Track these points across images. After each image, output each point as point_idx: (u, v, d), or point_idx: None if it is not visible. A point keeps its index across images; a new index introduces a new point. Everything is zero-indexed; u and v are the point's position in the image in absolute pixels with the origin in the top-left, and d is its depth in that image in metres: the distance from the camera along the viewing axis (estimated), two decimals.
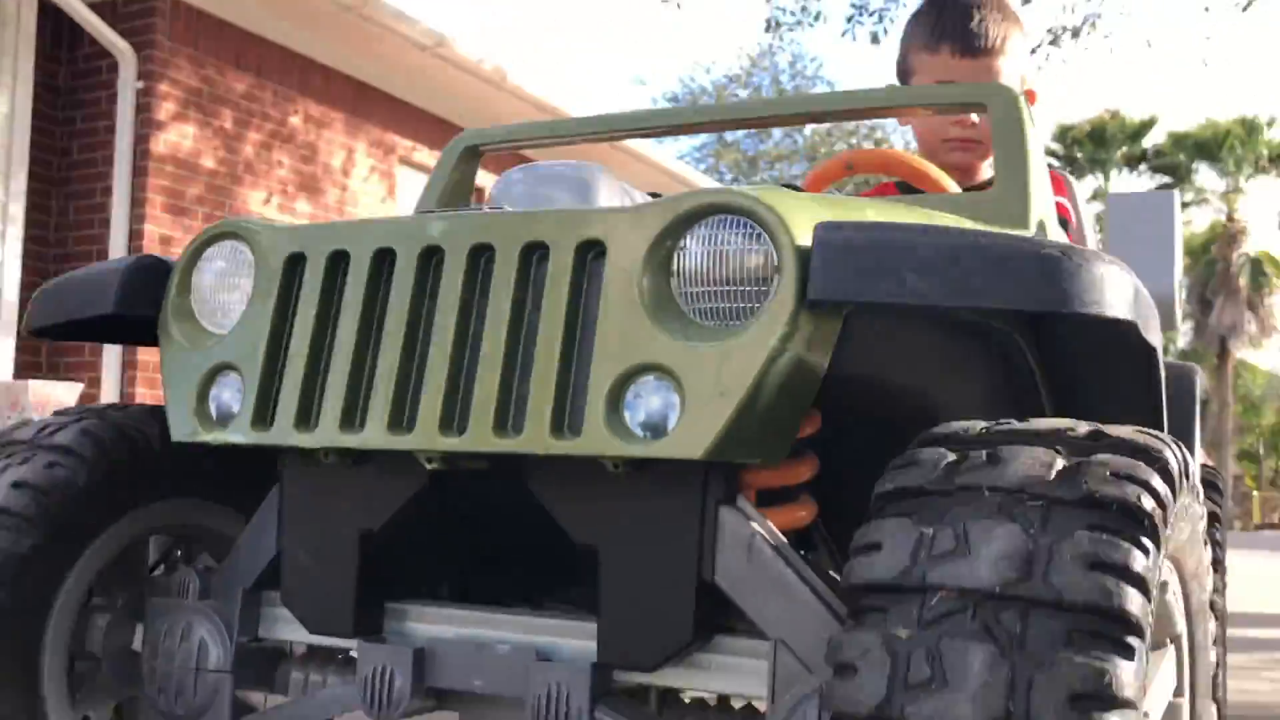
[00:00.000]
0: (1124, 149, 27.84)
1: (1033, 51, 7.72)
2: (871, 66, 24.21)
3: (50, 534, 1.06)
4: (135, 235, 5.89)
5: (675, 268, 0.92)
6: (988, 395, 1.06)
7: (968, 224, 1.09)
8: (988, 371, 1.08)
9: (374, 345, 0.98)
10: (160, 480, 1.16)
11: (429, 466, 0.98)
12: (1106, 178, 28.31)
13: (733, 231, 0.90)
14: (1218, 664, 1.04)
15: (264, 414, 1.01)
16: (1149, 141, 27.86)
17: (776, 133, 21.14)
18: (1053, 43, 7.51)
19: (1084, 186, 28.37)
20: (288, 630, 1.13)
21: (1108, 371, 1.03)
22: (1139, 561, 0.74)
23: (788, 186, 1.34)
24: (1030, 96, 1.68)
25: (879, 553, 0.78)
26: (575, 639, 1.01)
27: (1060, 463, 0.80)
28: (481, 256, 0.98)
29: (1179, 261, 1.50)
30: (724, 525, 0.94)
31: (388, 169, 7.54)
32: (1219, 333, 26.33)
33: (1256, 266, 26.60)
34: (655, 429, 0.89)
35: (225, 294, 1.06)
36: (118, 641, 1.11)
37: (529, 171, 1.14)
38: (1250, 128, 26.53)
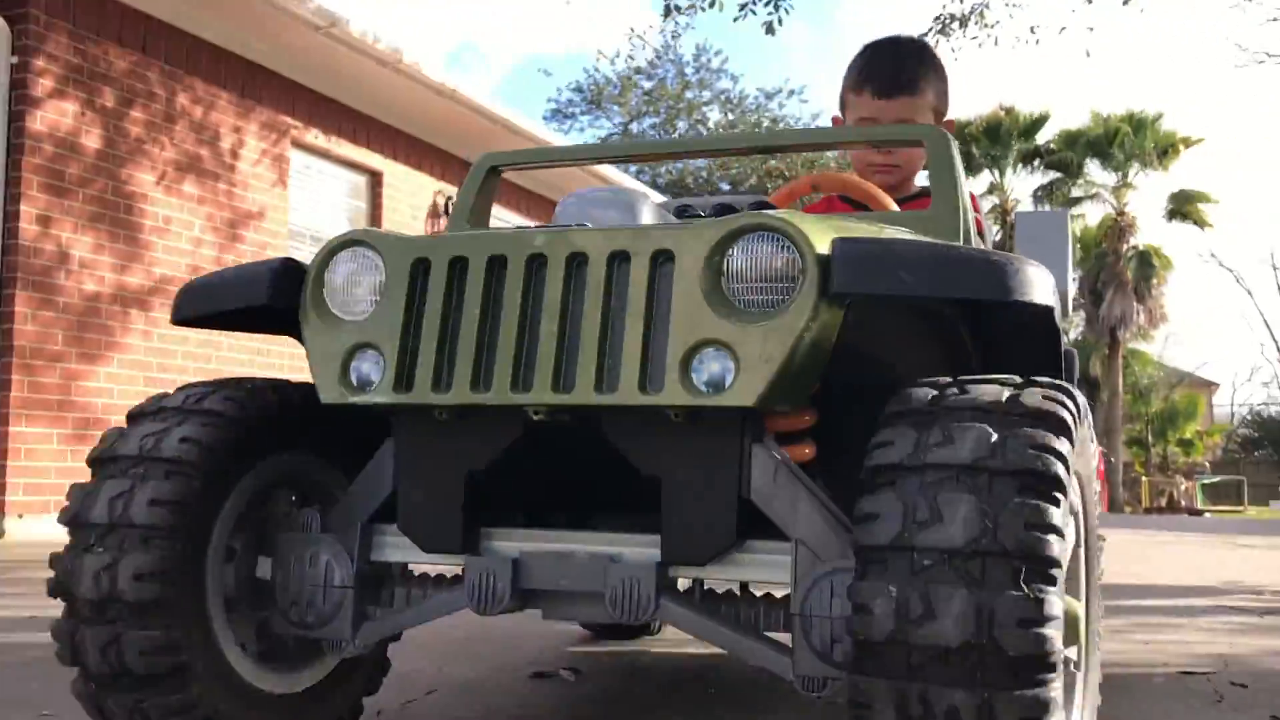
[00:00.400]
0: (1018, 145, 28.46)
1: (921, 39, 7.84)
2: (769, 54, 24.39)
3: (209, 480, 1.33)
4: (10, 216, 5.67)
5: (726, 269, 1.21)
6: (937, 362, 1.39)
7: (921, 237, 1.44)
8: (939, 344, 1.42)
9: (491, 327, 1.26)
10: (279, 439, 1.44)
11: (536, 418, 1.25)
12: (1002, 174, 28.94)
13: (769, 244, 1.21)
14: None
15: (403, 380, 1.28)
16: (1043, 137, 28.54)
17: (681, 125, 21.24)
18: (940, 32, 7.60)
19: (980, 182, 29.01)
20: (396, 554, 1.41)
21: (1026, 344, 1.37)
22: (1056, 516, 1.03)
23: (759, 203, 1.81)
24: (949, 126, 2.12)
25: (877, 521, 1.07)
26: (639, 547, 1.31)
27: (994, 436, 1.08)
28: (574, 261, 1.26)
29: (1071, 265, 1.90)
30: (756, 457, 1.26)
31: (280, 151, 7.37)
32: (1109, 323, 27.12)
33: (1145, 259, 27.45)
34: (716, 386, 1.18)
35: (353, 289, 1.34)
36: (245, 572, 1.38)
37: (583, 196, 1.40)
38: (1137, 124, 27.37)
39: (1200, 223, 27.96)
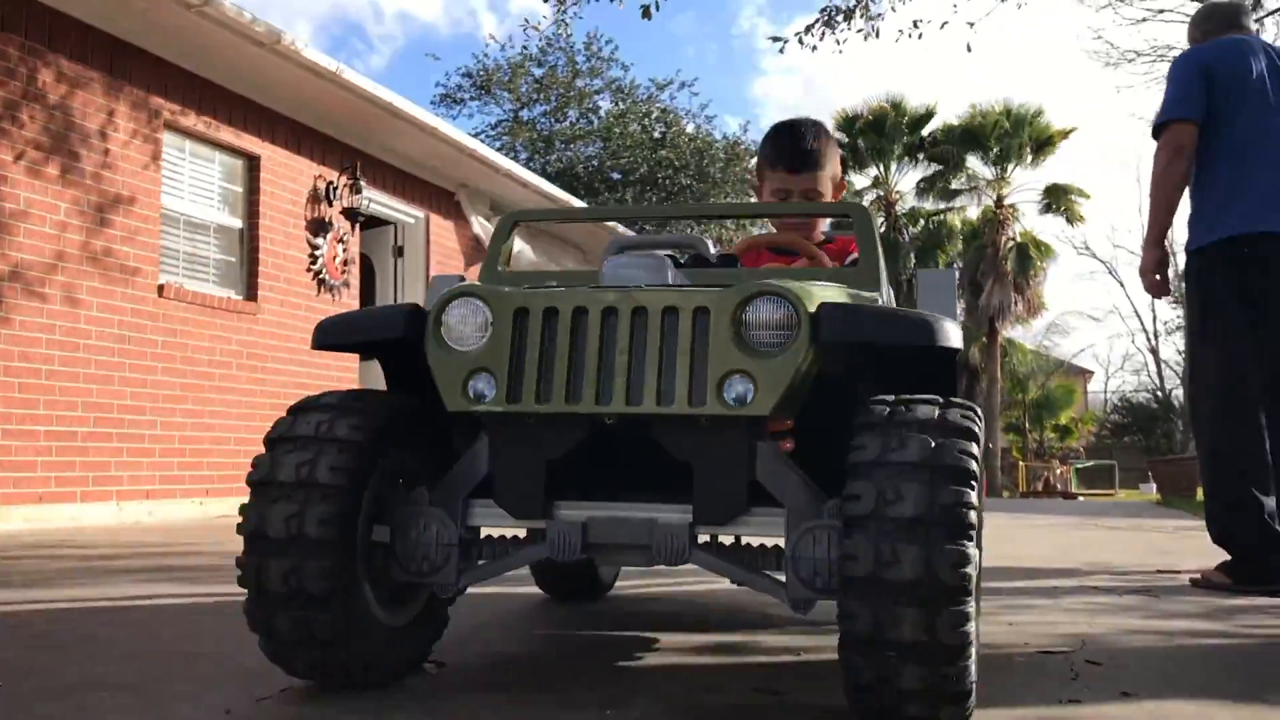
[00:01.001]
0: (904, 139, 29.02)
1: (808, 30, 7.92)
2: (659, 45, 24.43)
3: (364, 457, 1.79)
4: None
5: (745, 320, 1.71)
6: (880, 384, 1.91)
7: (863, 293, 2.03)
8: (880, 372, 1.97)
9: (576, 358, 1.73)
10: (400, 435, 1.90)
11: (609, 422, 1.74)
12: (886, 167, 29.49)
13: (775, 304, 1.70)
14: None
15: (514, 395, 1.74)
16: (929, 131, 29.14)
17: (572, 114, 21.13)
18: (826, 24, 7.69)
19: (865, 175, 29.50)
20: (487, 520, 1.88)
21: (938, 371, 1.93)
22: (972, 497, 1.54)
23: (725, 257, 2.37)
24: (842, 186, 2.78)
25: (859, 500, 1.56)
26: (673, 513, 1.80)
27: (932, 444, 1.58)
28: (638, 313, 1.74)
29: (956, 309, 2.49)
30: (761, 450, 1.78)
31: (152, 133, 7.13)
32: (989, 313, 27.88)
33: (1023, 250, 28.27)
34: (740, 401, 1.68)
35: (464, 328, 1.78)
36: (365, 535, 1.81)
37: (625, 262, 1.89)
38: (1015, 119, 28.15)
39: (1072, 216, 28.86)
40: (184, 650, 2.23)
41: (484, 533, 1.95)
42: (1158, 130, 3.73)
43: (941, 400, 1.70)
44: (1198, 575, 3.79)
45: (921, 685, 1.53)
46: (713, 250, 2.31)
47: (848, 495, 1.58)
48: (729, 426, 1.73)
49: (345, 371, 8.90)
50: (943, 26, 8.11)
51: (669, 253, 2.22)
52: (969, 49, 7.53)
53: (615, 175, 20.07)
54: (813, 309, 1.71)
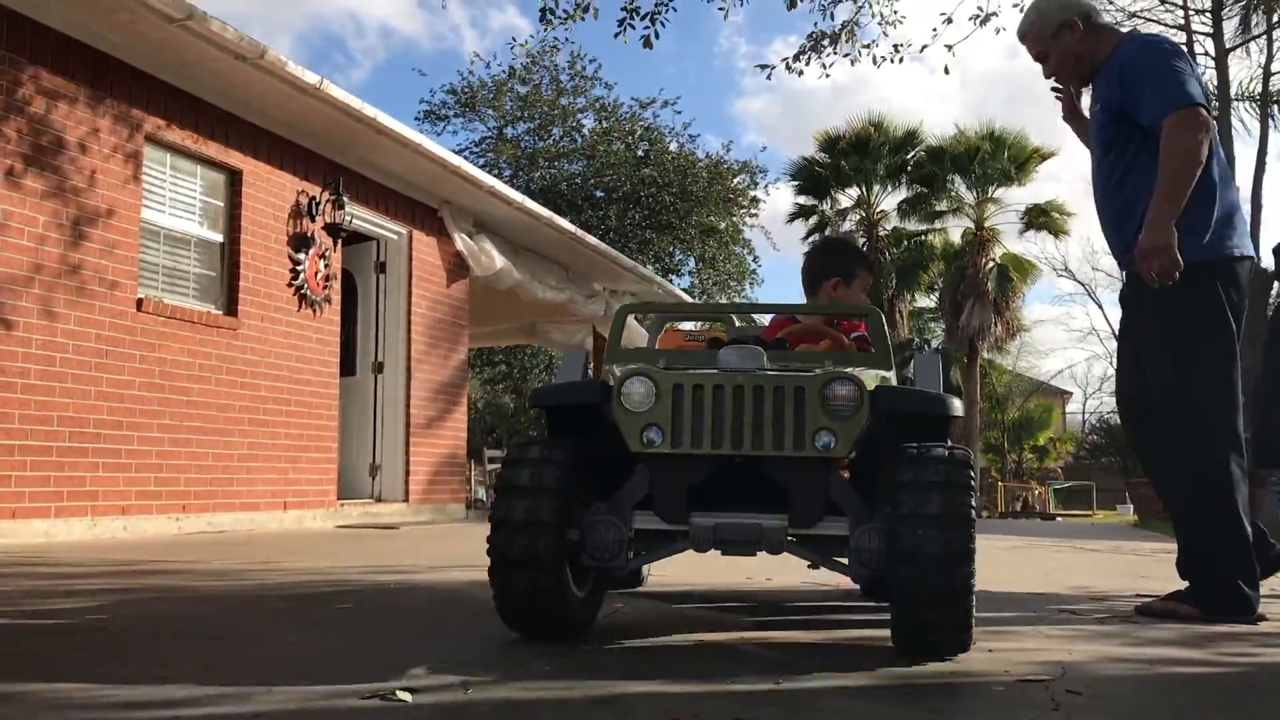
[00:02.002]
0: (887, 160, 29.15)
1: (796, 58, 7.96)
2: (641, 64, 24.48)
3: (566, 484, 2.60)
4: None
5: (827, 394, 2.53)
6: (900, 435, 2.68)
7: (883, 373, 2.90)
8: (901, 427, 2.72)
9: (716, 417, 2.56)
10: (579, 469, 2.67)
11: (737, 460, 2.60)
12: (869, 187, 29.61)
13: (848, 384, 2.54)
14: None
15: (677, 442, 2.56)
16: (911, 152, 29.28)
17: (556, 132, 21.14)
18: (813, 49, 7.73)
19: (848, 195, 29.62)
20: (647, 523, 2.69)
21: (939, 427, 2.79)
22: (972, 503, 2.45)
23: (759, 342, 2.92)
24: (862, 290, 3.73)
25: (905, 505, 2.42)
26: (774, 521, 2.63)
27: (947, 470, 2.47)
28: (757, 388, 2.57)
29: (941, 385, 3.18)
30: (833, 478, 2.65)
31: (134, 147, 7.09)
32: (969, 334, 27.95)
33: (1003, 272, 28.40)
34: (826, 448, 2.52)
35: (635, 395, 2.57)
36: (565, 537, 2.60)
37: (735, 350, 2.70)
38: (997, 142, 28.32)
39: (1056, 231, 28.99)
40: (156, 674, 2.20)
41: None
42: (1181, 109, 3.38)
43: (947, 445, 2.61)
44: (1151, 602, 3.64)
45: (942, 620, 2.42)
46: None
47: (897, 502, 2.46)
48: (817, 464, 2.62)
49: (325, 388, 8.86)
50: (922, 50, 8.18)
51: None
52: (946, 71, 7.52)
53: (599, 193, 20.09)
54: (871, 388, 2.60)
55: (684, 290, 17.94)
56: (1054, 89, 3.99)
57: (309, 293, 8.65)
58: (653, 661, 2.48)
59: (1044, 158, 28.57)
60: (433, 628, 2.99)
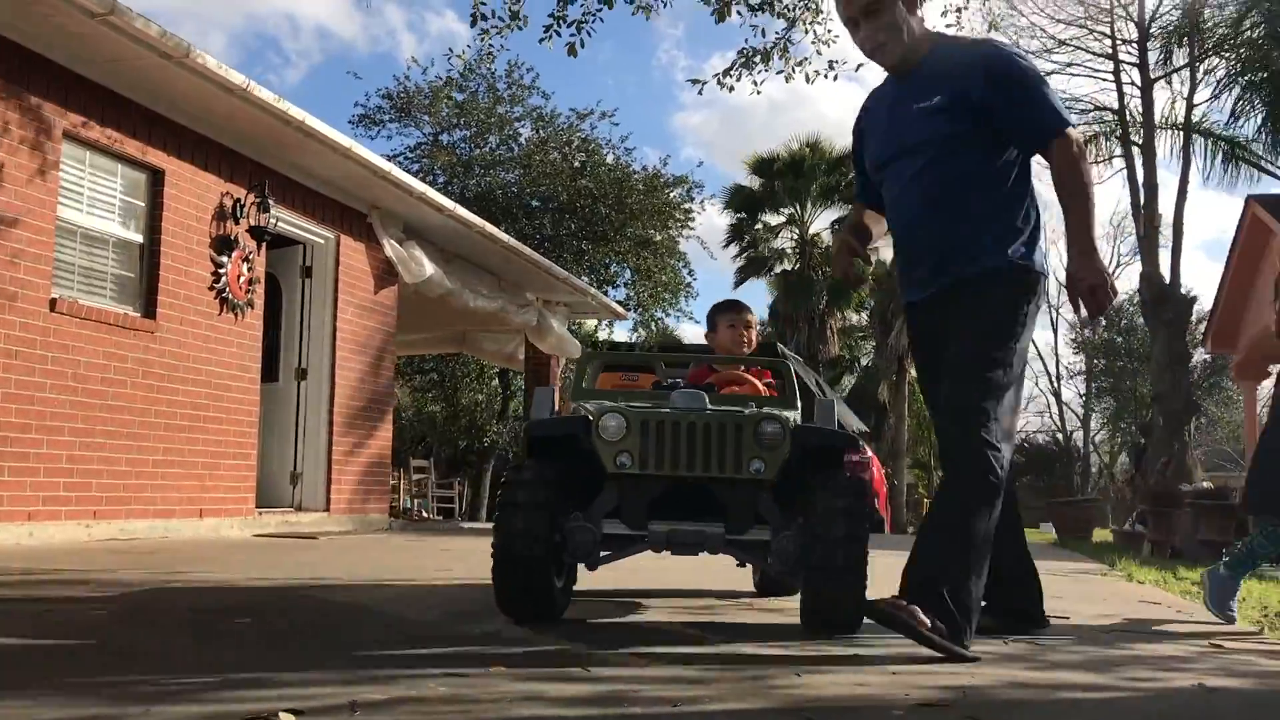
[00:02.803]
0: (821, 180, 29.45)
1: (727, 73, 7.97)
2: (580, 74, 24.47)
3: (553, 499, 3.27)
4: None
5: (759, 431, 3.34)
6: (812, 463, 3.50)
7: (788, 412, 3.58)
8: (808, 454, 3.48)
9: (673, 445, 3.33)
10: (560, 486, 3.32)
11: (689, 480, 3.35)
12: (802, 207, 29.87)
13: (774, 423, 3.35)
14: None
15: (643, 465, 3.32)
16: (848, 172, 29.62)
17: (492, 140, 21.03)
18: (744, 65, 7.75)
19: (782, 214, 29.85)
20: (614, 529, 3.39)
21: (837, 456, 3.64)
22: (865, 516, 3.31)
23: (695, 387, 3.76)
24: (756, 335, 4.40)
25: (817, 521, 3.23)
26: (714, 528, 3.39)
27: (847, 491, 3.31)
28: (705, 424, 3.35)
29: (835, 423, 3.86)
30: (761, 496, 3.41)
31: (49, 143, 6.90)
32: (898, 353, 28.30)
33: None
34: (758, 472, 3.33)
35: (610, 427, 3.31)
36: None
37: (684, 394, 3.53)
38: None
39: None
40: (29, 693, 2.11)
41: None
42: (1070, 129, 3.27)
43: (847, 474, 3.45)
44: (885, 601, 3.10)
45: (841, 607, 3.23)
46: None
47: (808, 518, 3.26)
48: (749, 484, 3.38)
49: (246, 394, 8.69)
50: (858, 69, 8.25)
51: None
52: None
53: (534, 202, 20.01)
54: (793, 425, 3.43)
55: (619, 302, 17.93)
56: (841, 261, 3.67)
57: (231, 296, 8.49)
58: (558, 678, 2.44)
59: None
60: (329, 645, 2.92)
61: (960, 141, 3.30)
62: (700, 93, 7.83)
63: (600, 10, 7.12)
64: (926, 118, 3.32)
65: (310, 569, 5.48)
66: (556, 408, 4.16)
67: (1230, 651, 3.42)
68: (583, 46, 7.18)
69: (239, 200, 8.56)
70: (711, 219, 75.07)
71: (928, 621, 2.95)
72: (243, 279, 8.62)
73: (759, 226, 30.36)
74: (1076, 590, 5.87)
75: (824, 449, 3.50)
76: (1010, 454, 3.27)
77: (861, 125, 3.71)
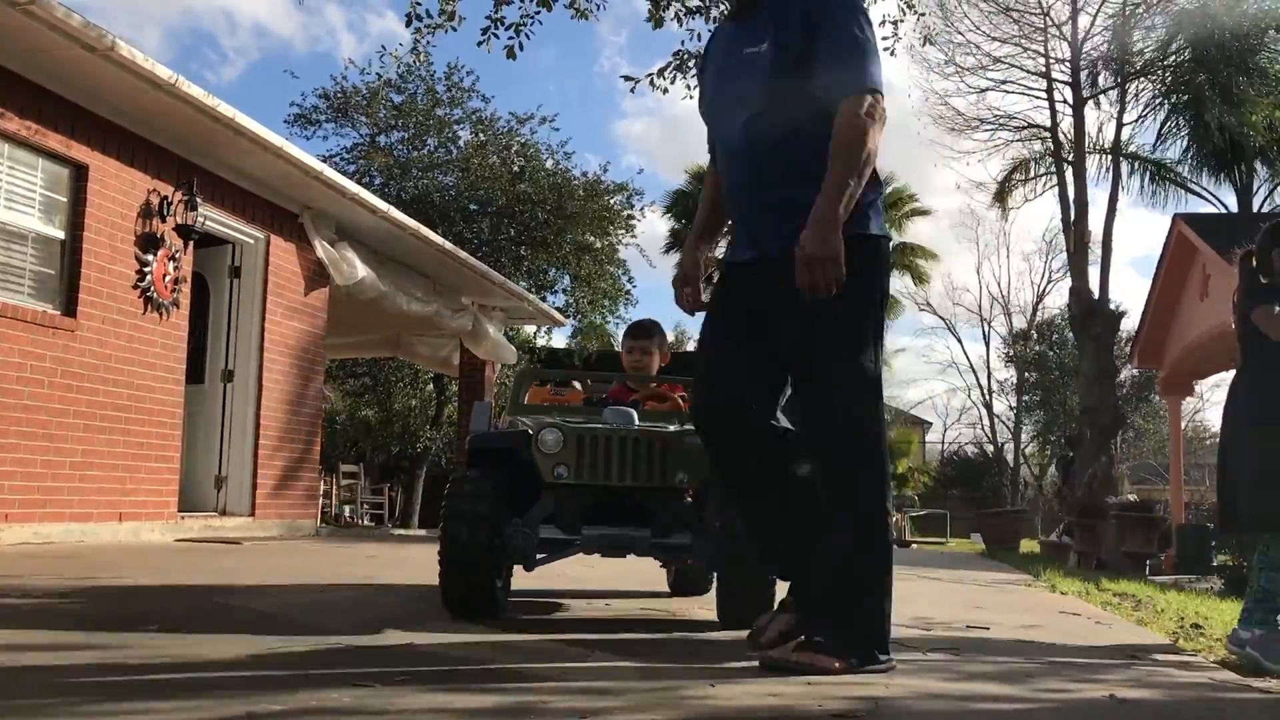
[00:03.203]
0: None
1: (660, 73, 7.95)
2: (521, 79, 24.38)
3: (495, 509, 3.58)
4: None
5: (682, 446, 3.65)
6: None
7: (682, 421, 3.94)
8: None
9: (605, 458, 3.64)
10: (501, 495, 3.63)
11: (620, 489, 3.67)
12: None
13: (696, 439, 3.37)
14: None
15: (579, 475, 3.62)
16: None
17: (431, 142, 20.84)
18: (678, 68, 7.73)
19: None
20: (550, 534, 3.64)
21: None
22: None
23: (615, 400, 4.40)
24: (665, 357, 4.67)
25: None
26: (641, 533, 3.68)
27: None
28: (633, 438, 3.67)
29: None
30: (684, 503, 3.77)
31: None
32: None
33: None
34: (681, 483, 3.68)
35: (548, 440, 3.60)
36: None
37: (613, 410, 3.84)
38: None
39: (919, 276, 29.85)
40: None
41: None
42: (867, 93, 2.93)
43: None
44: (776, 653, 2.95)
45: (752, 603, 3.51)
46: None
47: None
48: (673, 493, 3.72)
49: (169, 395, 8.51)
50: None
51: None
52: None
53: (472, 206, 19.85)
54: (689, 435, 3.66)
55: (557, 308, 17.86)
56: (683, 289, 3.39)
57: (156, 295, 8.31)
58: (467, 690, 2.40)
59: (912, 200, 29.46)
60: (234, 653, 2.84)
61: (795, 98, 2.99)
62: (633, 90, 7.89)
63: (539, 13, 7.06)
64: (752, 64, 3.05)
65: (228, 574, 5.36)
66: (493, 421, 4.43)
67: (1144, 663, 3.47)
68: (521, 49, 7.10)
69: (166, 198, 8.39)
70: (653, 225, 75.19)
71: (834, 662, 2.80)
72: (168, 278, 8.44)
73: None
74: (999, 600, 5.93)
75: None
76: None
77: (702, 67, 3.45)
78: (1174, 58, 20.91)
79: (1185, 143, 21.31)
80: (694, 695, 2.42)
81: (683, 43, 8.00)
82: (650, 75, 7.91)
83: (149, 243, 8.24)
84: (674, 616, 4.18)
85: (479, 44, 7.20)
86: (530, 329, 20.06)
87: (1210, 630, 4.89)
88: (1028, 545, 18.14)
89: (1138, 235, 73.62)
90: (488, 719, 2.09)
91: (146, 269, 8.20)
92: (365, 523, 18.76)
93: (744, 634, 3.31)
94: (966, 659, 3.35)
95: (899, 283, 30.83)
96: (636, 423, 3.77)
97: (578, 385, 5.48)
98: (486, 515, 3.52)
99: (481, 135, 20.50)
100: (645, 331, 4.64)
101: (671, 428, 3.81)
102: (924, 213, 30.22)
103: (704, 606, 4.35)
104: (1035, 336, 39.54)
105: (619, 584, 5.34)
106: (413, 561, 6.77)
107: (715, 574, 3.85)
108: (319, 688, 2.30)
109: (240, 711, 2.00)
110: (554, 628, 3.67)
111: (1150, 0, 21.30)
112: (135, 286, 8.14)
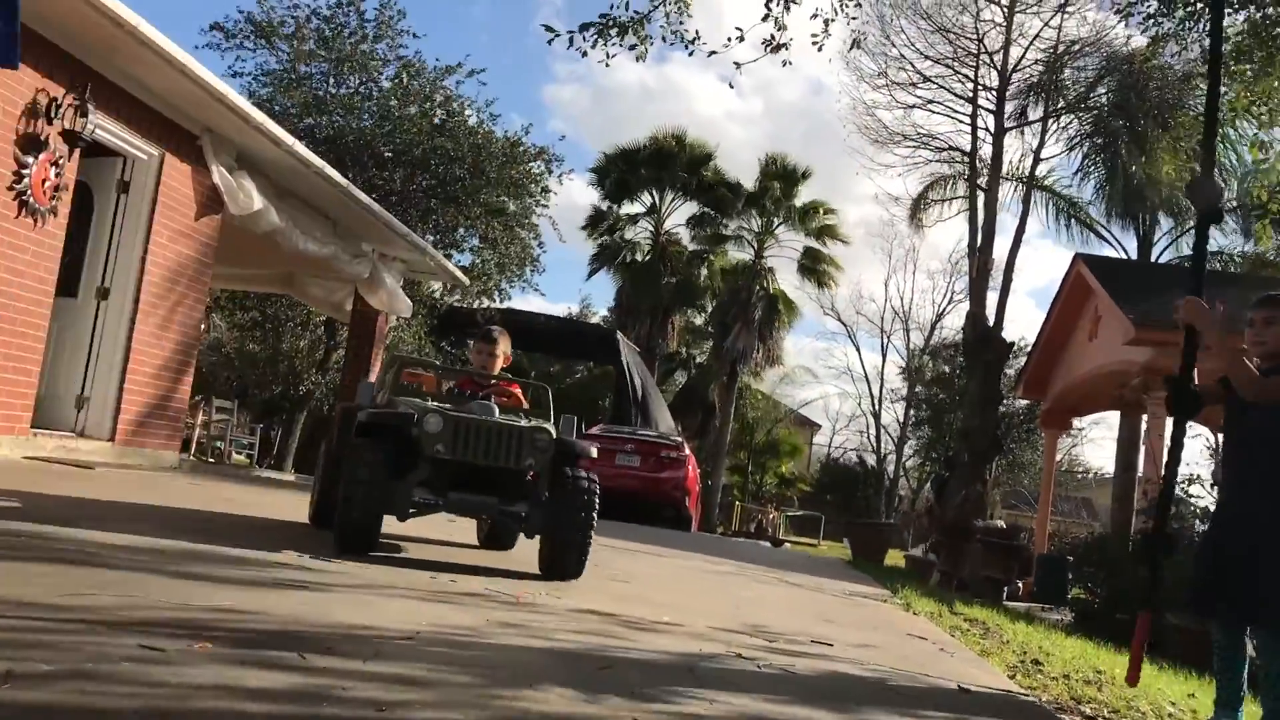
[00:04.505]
0: (683, 175, 29.61)
1: (582, 28, 7.75)
2: (455, 27, 23.86)
3: (381, 476, 4.62)
4: None
5: (534, 438, 4.81)
6: (561, 461, 5.07)
7: (547, 424, 5.06)
8: (561, 457, 5.08)
9: (475, 440, 4.74)
10: (389, 461, 4.71)
11: (482, 465, 4.72)
12: (662, 198, 29.98)
13: (544, 433, 4.88)
14: None
15: (452, 452, 4.71)
16: (707, 171, 29.83)
17: (353, 79, 20.30)
18: (599, 33, 7.55)
19: (641, 203, 29.86)
20: (421, 496, 4.78)
21: (577, 459, 5.11)
22: (595, 500, 4.94)
23: (478, 397, 5.31)
24: (508, 359, 5.84)
25: (563, 496, 4.90)
26: (491, 499, 4.83)
27: (588, 497, 4.94)
28: (497, 428, 4.78)
29: (575, 434, 5.33)
30: (527, 480, 4.94)
31: None
32: (731, 356, 28.71)
33: (771, 303, 29.32)
34: (530, 465, 4.81)
35: (432, 425, 4.68)
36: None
37: (476, 404, 4.98)
38: (788, 178, 29.22)
39: (823, 282, 30.17)
40: None
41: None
42: None
43: (586, 474, 4.91)
44: None
45: (577, 558, 4.85)
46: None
47: (555, 497, 4.85)
48: (522, 473, 4.80)
49: (37, 306, 8.11)
50: (710, 55, 8.08)
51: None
52: (731, 86, 7.46)
53: (387, 153, 19.41)
54: (554, 435, 4.87)
55: (462, 268, 17.58)
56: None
57: (32, 200, 7.89)
58: (266, 664, 2.26)
59: (829, 211, 29.78)
60: (27, 592, 2.66)
61: None
62: (550, 43, 7.68)
63: None
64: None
65: (61, 507, 5.11)
66: (375, 396, 5.52)
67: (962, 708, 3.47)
68: None
69: (55, 99, 7.96)
70: (570, 196, 74.79)
71: None
72: (48, 184, 8.02)
73: (619, 213, 30.39)
74: (851, 615, 5.96)
75: (571, 454, 4.98)
76: None
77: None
78: (1098, 100, 21.37)
79: (1098, 183, 21.82)
80: (505, 696, 2.32)
81: (611, 7, 7.83)
82: (571, 33, 7.70)
83: (30, 144, 7.81)
84: (519, 605, 4.09)
85: None
86: (437, 286, 19.74)
87: (1048, 668, 4.96)
88: (893, 558, 18.46)
89: (1043, 267, 75.57)
90: (272, 702, 1.96)
91: (25, 171, 7.77)
92: (239, 457, 18.30)
93: (561, 584, 4.77)
94: (799, 675, 3.32)
95: (809, 283, 31.20)
96: (497, 415, 4.84)
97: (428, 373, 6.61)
98: (377, 480, 4.54)
99: (406, 80, 20.04)
100: (494, 339, 5.72)
101: (522, 423, 4.88)
102: (844, 240, 30.65)
103: (509, 559, 5.61)
104: (938, 356, 40.18)
105: (442, 535, 6.07)
106: (266, 507, 6.56)
107: (540, 535, 4.93)
108: (105, 647, 2.14)
109: None
110: (396, 579, 3.57)
111: (1084, 40, 21.74)
112: (10, 188, 7.72)
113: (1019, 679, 4.48)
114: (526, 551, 5.36)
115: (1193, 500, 11.20)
